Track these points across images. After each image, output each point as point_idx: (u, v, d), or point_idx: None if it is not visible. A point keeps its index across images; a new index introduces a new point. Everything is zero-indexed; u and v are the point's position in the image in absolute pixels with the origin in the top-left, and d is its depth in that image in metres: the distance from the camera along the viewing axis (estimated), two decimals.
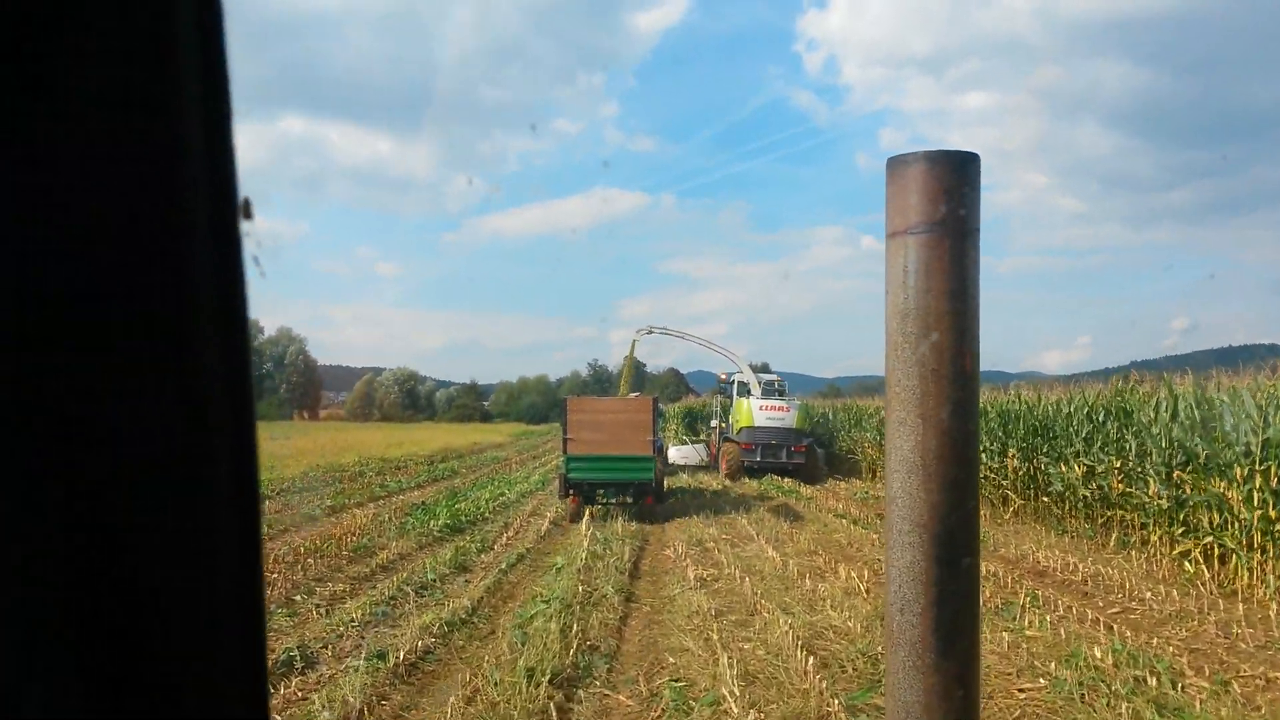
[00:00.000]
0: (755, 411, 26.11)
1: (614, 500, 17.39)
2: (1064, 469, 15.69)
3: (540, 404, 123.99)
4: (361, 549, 13.04)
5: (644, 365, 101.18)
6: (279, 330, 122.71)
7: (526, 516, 17.32)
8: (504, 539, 14.38)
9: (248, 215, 0.61)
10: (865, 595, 9.94)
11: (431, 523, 15.23)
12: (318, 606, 9.61)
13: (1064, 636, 8.31)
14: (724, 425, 29.02)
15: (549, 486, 24.75)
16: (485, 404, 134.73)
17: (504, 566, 11.72)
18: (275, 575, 10.90)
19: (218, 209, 0.58)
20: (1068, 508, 15.78)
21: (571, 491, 16.53)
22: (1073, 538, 14.71)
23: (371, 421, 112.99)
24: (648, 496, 16.73)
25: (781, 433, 25.87)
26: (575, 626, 8.28)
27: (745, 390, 27.63)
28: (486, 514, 17.54)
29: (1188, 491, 11.94)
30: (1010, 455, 17.75)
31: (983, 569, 12.00)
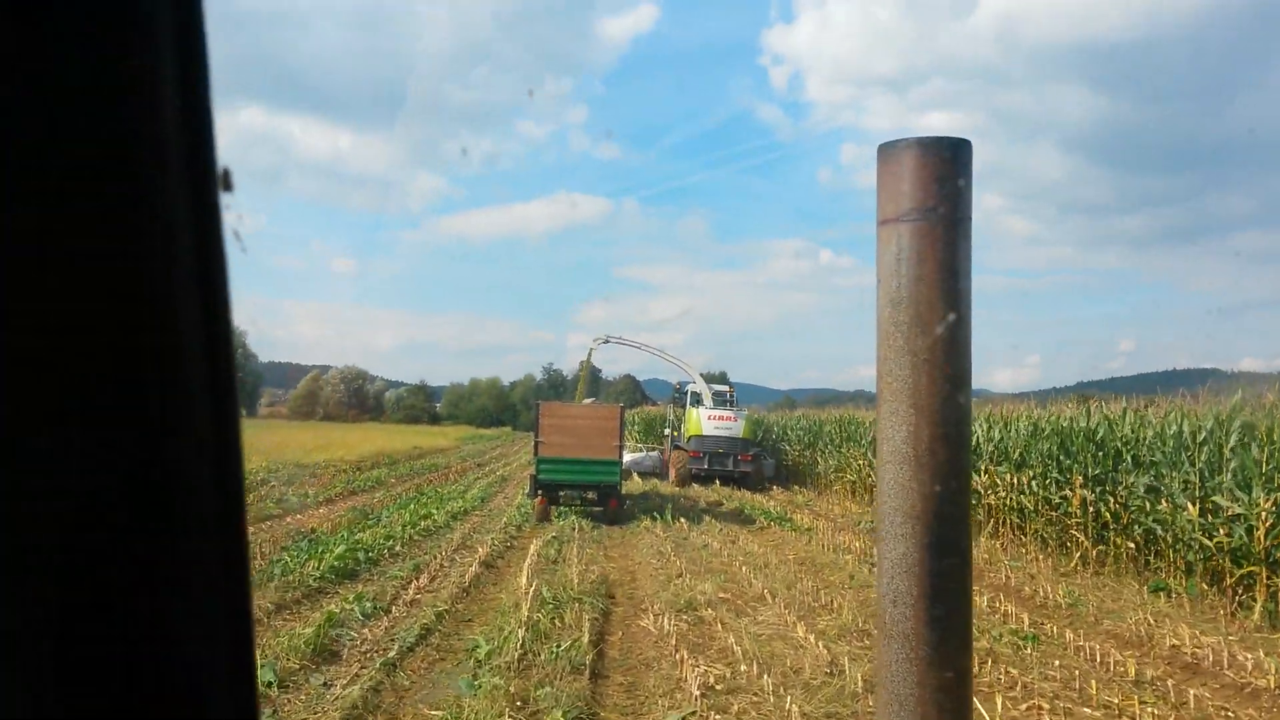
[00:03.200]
0: (704, 421, 26.57)
1: (578, 502, 17.32)
2: (1167, 507, 11.82)
3: (491, 407, 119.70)
4: None
5: (600, 371, 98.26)
6: None
7: (451, 551, 13.04)
8: (410, 592, 10.10)
9: (228, 187, 0.60)
10: None
11: (312, 565, 10.88)
12: None
13: None
14: (676, 433, 29.39)
15: (490, 503, 20.56)
16: (437, 405, 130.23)
17: (393, 654, 7.45)
18: None
19: (197, 184, 0.57)
20: (1171, 559, 11.90)
21: (540, 492, 16.80)
22: (1194, 604, 10.78)
23: (314, 420, 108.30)
24: (612, 499, 17.09)
25: (729, 441, 26.31)
26: None
27: (697, 400, 27.97)
28: (399, 547, 13.21)
29: None
30: (1076, 486, 13.84)
31: (1128, 665, 7.99)
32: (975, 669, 7.72)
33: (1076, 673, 7.63)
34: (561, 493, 17.08)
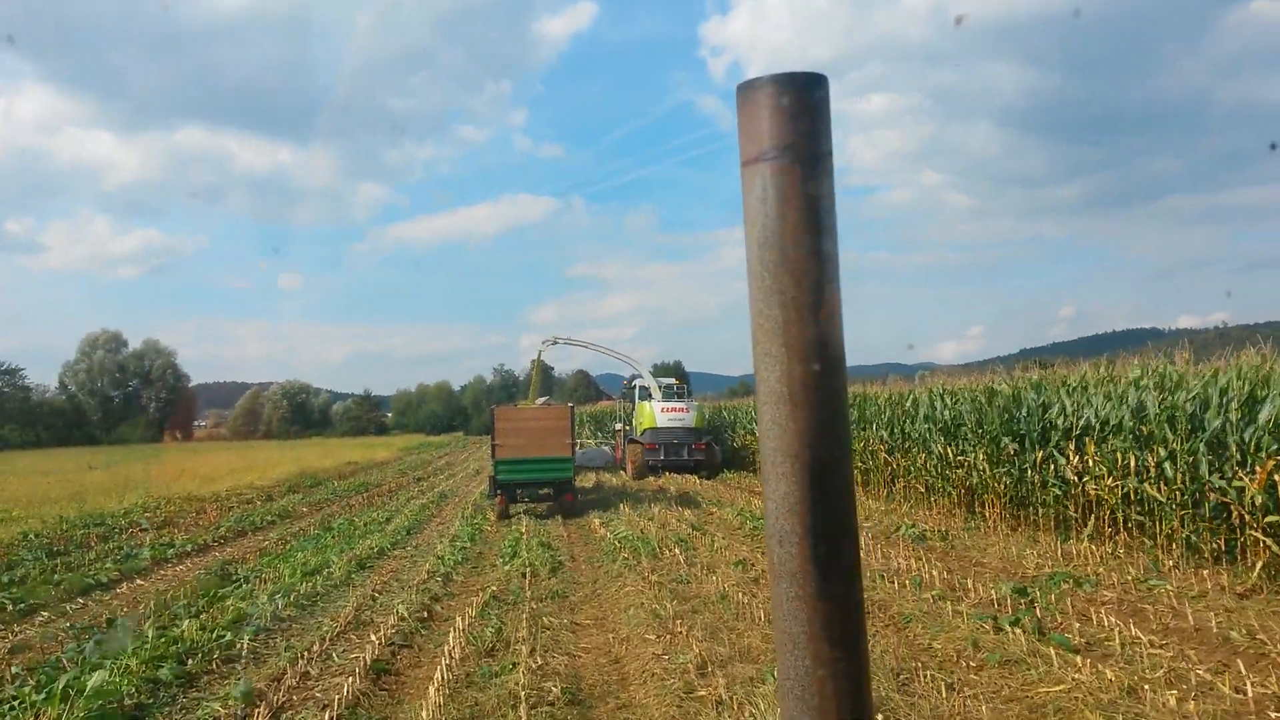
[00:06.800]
0: (658, 413, 27.11)
1: (536, 501, 18.26)
2: None
3: (442, 412, 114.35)
4: None
5: (552, 369, 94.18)
6: (145, 343, 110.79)
7: (332, 638, 8.27)
8: None
9: None
10: None
11: (51, 711, 6.02)
12: None
13: None
14: (628, 428, 29.86)
15: (419, 535, 15.85)
16: (386, 415, 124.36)
17: None
18: None
19: None
20: None
21: (499, 491, 17.58)
22: None
23: (255, 439, 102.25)
24: (567, 494, 18.03)
25: (683, 432, 26.90)
26: None
27: (647, 394, 28.36)
28: (245, 639, 8.38)
29: None
30: (1267, 468, 9.43)
31: None
32: None
33: None
34: (519, 490, 17.83)
